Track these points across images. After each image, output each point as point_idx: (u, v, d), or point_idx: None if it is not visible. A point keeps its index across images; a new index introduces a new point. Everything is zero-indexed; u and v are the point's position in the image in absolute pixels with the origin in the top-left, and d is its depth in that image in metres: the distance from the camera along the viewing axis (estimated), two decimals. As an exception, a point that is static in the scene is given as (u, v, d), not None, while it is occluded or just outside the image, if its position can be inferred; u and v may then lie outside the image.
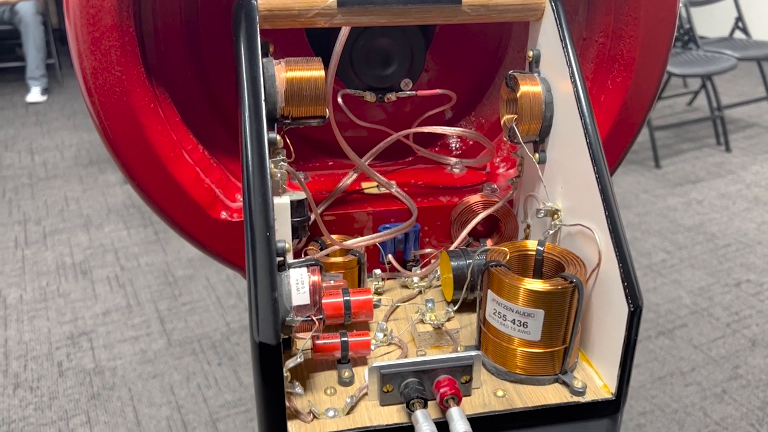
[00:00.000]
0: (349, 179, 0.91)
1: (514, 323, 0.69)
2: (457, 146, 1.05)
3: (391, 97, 0.91)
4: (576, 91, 0.73)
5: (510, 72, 0.80)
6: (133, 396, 2.01)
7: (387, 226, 0.88)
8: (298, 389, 0.64)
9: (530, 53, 0.81)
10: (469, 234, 0.93)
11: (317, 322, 0.64)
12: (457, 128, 0.90)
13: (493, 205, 0.87)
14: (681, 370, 2.11)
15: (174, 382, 2.06)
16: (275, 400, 0.62)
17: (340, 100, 0.88)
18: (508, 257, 0.73)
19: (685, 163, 3.67)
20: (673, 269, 2.66)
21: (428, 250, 0.90)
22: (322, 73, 0.73)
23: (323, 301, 0.76)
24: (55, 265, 2.72)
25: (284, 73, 0.72)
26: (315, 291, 0.64)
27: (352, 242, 0.81)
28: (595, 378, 0.72)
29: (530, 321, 0.68)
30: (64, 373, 2.12)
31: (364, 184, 0.96)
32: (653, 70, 0.86)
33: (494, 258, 0.71)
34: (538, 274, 0.75)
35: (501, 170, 0.98)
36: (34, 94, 4.76)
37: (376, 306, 0.83)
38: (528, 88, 0.77)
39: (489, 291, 0.70)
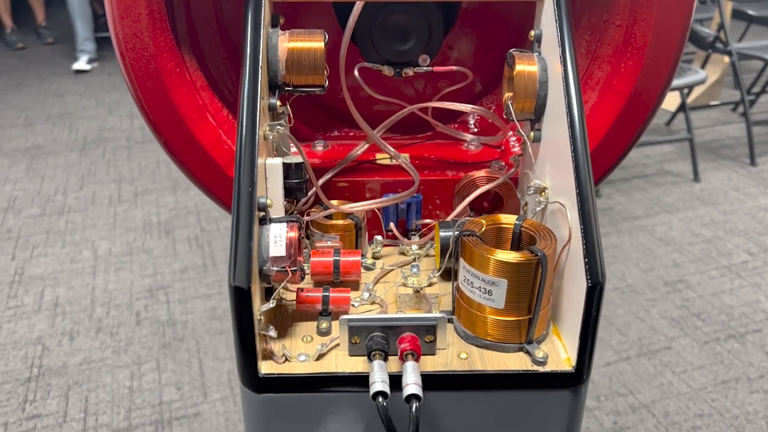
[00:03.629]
0: (360, 149, 0.96)
1: (480, 290, 0.72)
2: (476, 123, 1.07)
3: (409, 71, 0.94)
4: (564, 71, 0.74)
5: (510, 50, 0.82)
6: (200, 349, 2.15)
7: (389, 195, 0.93)
8: (272, 332, 0.70)
9: (532, 33, 0.82)
10: (474, 209, 0.96)
11: (290, 273, 0.70)
12: (467, 105, 0.92)
13: (494, 181, 0.89)
14: (748, 376, 2.03)
15: (238, 339, 2.18)
16: (247, 338, 0.68)
17: (356, 72, 0.92)
18: (483, 229, 0.75)
19: (786, 161, 3.46)
20: (754, 272, 2.54)
21: (428, 221, 0.94)
22: (321, 44, 0.78)
23: (314, 258, 0.82)
24: (142, 223, 2.92)
25: (286, 43, 0.77)
26: (291, 245, 0.70)
27: (348, 206, 0.86)
28: (561, 351, 0.74)
29: (494, 289, 0.71)
30: (141, 322, 2.29)
31: (379, 155, 1.00)
32: (666, 55, 0.86)
33: (469, 229, 0.75)
34: (515, 247, 0.78)
35: (515, 149, 1.00)
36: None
37: (369, 269, 0.88)
38: (523, 67, 0.79)
39: (461, 259, 0.74)
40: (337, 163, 0.95)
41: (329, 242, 0.85)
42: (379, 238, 0.92)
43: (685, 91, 3.24)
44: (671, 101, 3.66)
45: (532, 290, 0.71)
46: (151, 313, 2.35)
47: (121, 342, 2.22)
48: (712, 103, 3.93)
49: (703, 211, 2.99)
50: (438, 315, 0.71)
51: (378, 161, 0.99)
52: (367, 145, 0.96)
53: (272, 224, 0.71)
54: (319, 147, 1.03)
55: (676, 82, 2.97)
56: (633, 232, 2.82)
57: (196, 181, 0.93)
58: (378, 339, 0.70)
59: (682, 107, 3.28)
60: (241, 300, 0.66)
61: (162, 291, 2.47)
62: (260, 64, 0.73)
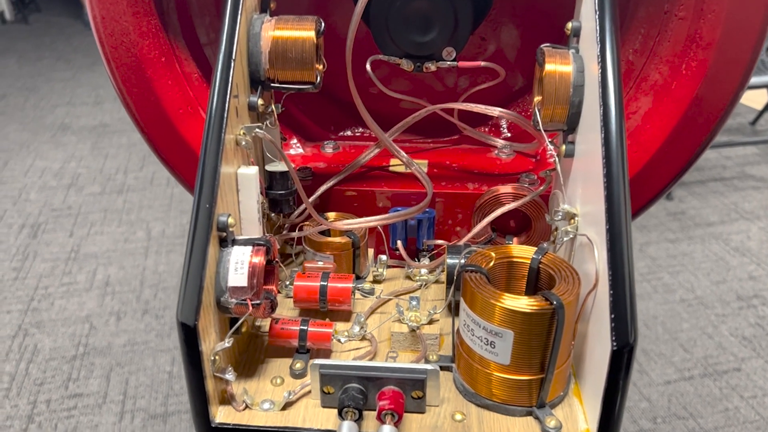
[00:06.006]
0: (369, 153, 0.83)
1: (481, 341, 0.59)
2: (510, 127, 0.93)
3: (430, 66, 0.81)
4: (602, 73, 0.60)
5: (541, 46, 0.68)
6: (240, 338, 2.09)
7: (398, 209, 0.80)
8: (229, 375, 0.60)
9: (569, 25, 0.68)
10: (498, 229, 0.83)
11: (251, 308, 0.59)
12: (495, 108, 0.79)
13: (520, 199, 0.75)
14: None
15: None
16: (196, 381, 0.58)
17: (368, 66, 0.80)
18: (491, 263, 0.62)
19: None
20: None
21: (439, 242, 0.81)
22: (311, 33, 0.66)
23: (297, 282, 0.70)
24: (197, 206, 2.89)
25: (270, 31, 0.66)
26: (254, 273, 0.58)
27: (343, 223, 0.74)
28: (580, 418, 0.60)
29: (498, 341, 0.58)
30: (186, 307, 2.24)
31: (394, 161, 0.88)
32: (738, 56, 0.70)
33: (474, 263, 0.61)
34: (531, 288, 0.64)
35: (552, 159, 0.86)
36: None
37: (367, 295, 0.76)
38: (554, 66, 0.65)
39: (461, 300, 0.61)
40: (342, 170, 0.83)
41: (321, 263, 0.74)
42: (383, 258, 0.79)
43: (775, 88, 2.96)
44: (758, 99, 3.36)
45: (545, 345, 0.57)
46: (196, 298, 2.30)
47: (165, 326, 2.18)
48: (807, 101, 3.59)
49: (787, 220, 2.73)
50: (429, 367, 0.59)
51: (391, 168, 0.87)
52: (377, 150, 0.83)
53: (234, 247, 0.60)
54: (329, 149, 0.92)
55: (763, 79, 2.70)
56: (706, 239, 2.60)
57: (182, 182, 0.83)
58: (353, 393, 0.58)
59: (770, 106, 3.00)
60: (187, 338, 0.56)
61: (208, 276, 2.42)
62: (233, 56, 0.62)
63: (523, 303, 0.56)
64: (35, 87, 4.31)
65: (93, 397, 1.90)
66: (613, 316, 0.53)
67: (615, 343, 0.53)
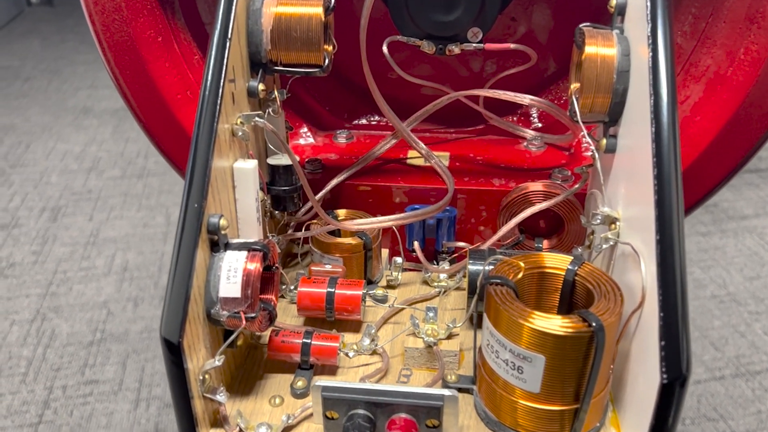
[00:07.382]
0: (386, 144, 0.76)
1: (507, 364, 0.51)
2: (541, 117, 0.85)
3: (454, 48, 0.73)
4: (653, 57, 0.52)
5: (581, 25, 0.60)
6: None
7: (415, 206, 0.73)
8: (220, 396, 0.53)
9: (612, 2, 0.59)
10: (526, 230, 0.75)
11: (245, 321, 0.52)
12: (525, 96, 0.71)
13: (552, 199, 0.67)
14: None
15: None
16: (180, 402, 0.51)
17: (385, 48, 0.72)
18: (520, 275, 0.54)
19: None
20: None
21: (461, 244, 0.73)
22: (318, 10, 0.58)
23: (302, 288, 0.63)
24: (217, 191, 2.84)
25: (273, 7, 0.58)
26: (248, 282, 0.51)
27: (353, 223, 0.66)
28: (619, 455, 0.53)
29: (526, 366, 0.50)
30: (202, 294, 2.20)
31: (412, 153, 0.80)
32: (808, 38, 0.61)
33: (500, 274, 0.54)
34: (565, 303, 0.56)
35: (588, 153, 0.78)
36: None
37: (380, 302, 0.69)
38: (595, 49, 0.57)
39: (484, 315, 0.53)
40: (355, 162, 0.76)
41: (328, 266, 0.67)
42: (398, 260, 0.72)
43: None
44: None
45: (581, 372, 0.50)
46: (213, 285, 2.26)
47: (181, 314, 2.13)
48: None
49: (828, 214, 2.61)
50: (446, 392, 0.51)
51: (409, 160, 0.80)
52: (394, 141, 0.76)
53: (227, 252, 0.53)
54: (342, 139, 0.84)
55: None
56: (739, 233, 2.48)
57: (181, 173, 0.76)
58: (359, 421, 0.51)
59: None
60: (170, 355, 0.49)
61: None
62: (229, 35, 0.55)
63: (556, 324, 0.48)
64: (58, 70, 4.29)
65: (109, 384, 1.86)
66: (663, 343, 0.46)
67: (665, 376, 0.45)
